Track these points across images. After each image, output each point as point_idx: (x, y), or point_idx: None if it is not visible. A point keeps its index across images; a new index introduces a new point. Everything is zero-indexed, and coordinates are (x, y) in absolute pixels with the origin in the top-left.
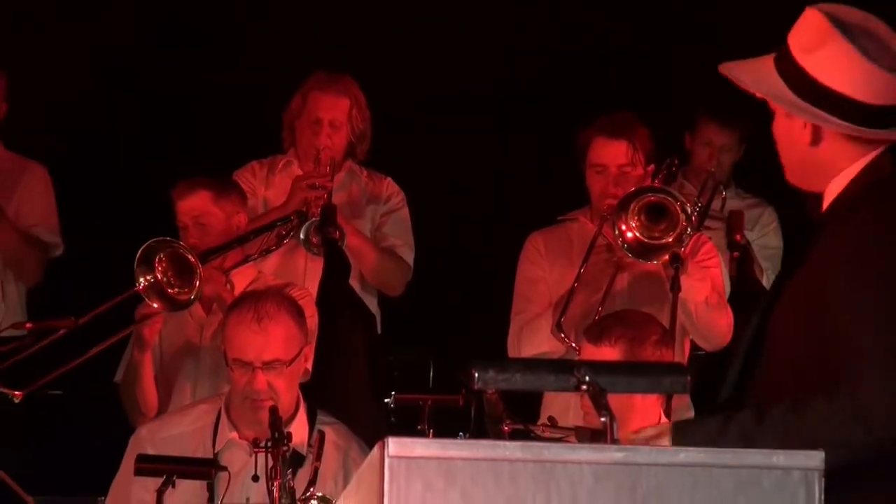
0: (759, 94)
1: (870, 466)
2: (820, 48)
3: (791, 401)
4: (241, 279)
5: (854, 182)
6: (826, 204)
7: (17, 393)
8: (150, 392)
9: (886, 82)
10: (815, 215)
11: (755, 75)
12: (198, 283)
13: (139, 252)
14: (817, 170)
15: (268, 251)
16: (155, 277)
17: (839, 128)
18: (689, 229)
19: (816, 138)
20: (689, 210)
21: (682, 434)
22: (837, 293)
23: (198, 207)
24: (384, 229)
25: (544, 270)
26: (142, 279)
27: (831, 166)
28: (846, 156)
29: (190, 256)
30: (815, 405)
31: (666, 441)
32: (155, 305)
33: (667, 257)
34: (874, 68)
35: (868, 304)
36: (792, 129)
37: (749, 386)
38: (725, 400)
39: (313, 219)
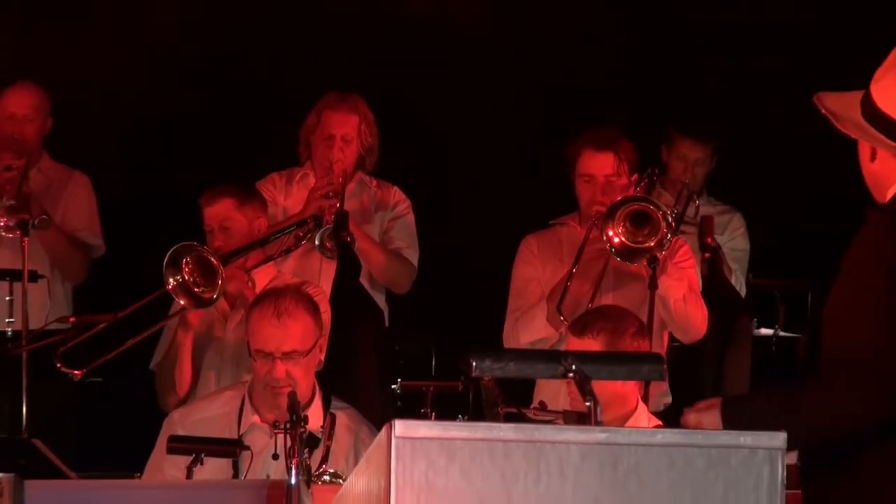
0: (823, 112)
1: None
2: (883, 79)
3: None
4: (262, 277)
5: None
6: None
7: (76, 372)
8: (186, 372)
9: None
10: (873, 220)
11: (840, 102)
12: (220, 282)
13: (167, 256)
14: (876, 183)
15: (287, 252)
16: (182, 278)
17: (887, 148)
18: (669, 235)
19: (873, 155)
20: (669, 219)
21: (732, 413)
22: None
23: (222, 213)
24: (391, 233)
25: (537, 270)
26: (171, 280)
27: (886, 180)
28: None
29: (213, 259)
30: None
31: (713, 416)
32: (182, 303)
33: (646, 259)
34: None
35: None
36: (862, 147)
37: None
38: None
39: (327, 226)
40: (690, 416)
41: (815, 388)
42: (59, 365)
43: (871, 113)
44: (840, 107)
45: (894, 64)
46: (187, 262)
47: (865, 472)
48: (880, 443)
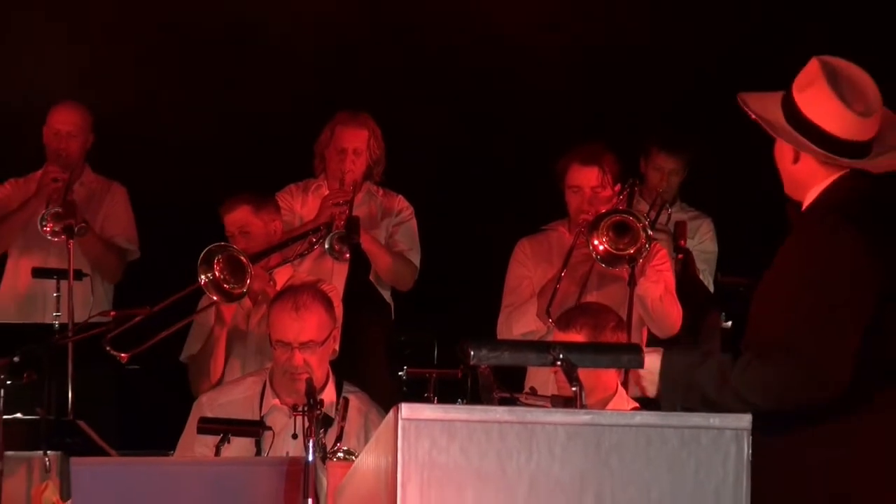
0: (753, 117)
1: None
2: (809, 88)
3: (756, 352)
4: (281, 277)
5: (820, 196)
6: (803, 209)
7: (123, 355)
8: (220, 362)
9: (855, 122)
10: (794, 218)
11: (762, 104)
12: (249, 279)
13: (202, 255)
14: (797, 183)
15: (302, 255)
16: (214, 275)
17: (812, 152)
18: (647, 244)
19: (797, 158)
20: (648, 231)
21: (669, 358)
22: (785, 286)
23: (241, 219)
24: (396, 237)
25: (529, 269)
26: (203, 276)
27: (807, 181)
28: (818, 175)
29: (242, 258)
30: (775, 356)
31: (655, 358)
32: (214, 298)
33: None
34: (846, 110)
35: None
36: (783, 148)
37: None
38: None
39: (335, 231)
40: None
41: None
42: (108, 348)
43: (797, 119)
44: (762, 108)
45: (819, 76)
46: (219, 261)
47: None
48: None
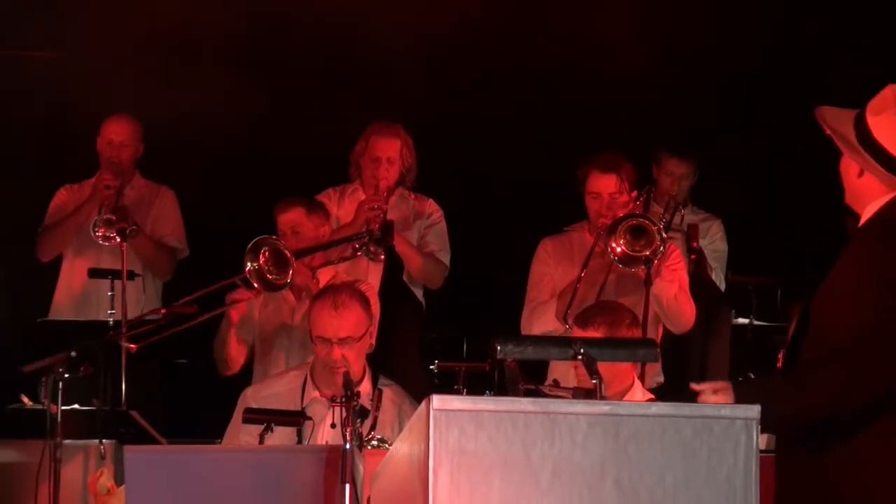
0: (828, 132)
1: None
2: (882, 113)
3: (824, 359)
4: (324, 276)
5: (880, 211)
6: (861, 222)
7: (132, 346)
8: (233, 354)
9: None
10: (852, 230)
11: (838, 119)
12: (291, 272)
13: (250, 244)
14: (859, 196)
15: (344, 259)
16: (259, 264)
17: (876, 172)
18: (662, 246)
19: (861, 172)
20: (663, 234)
21: (740, 392)
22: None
23: (294, 220)
24: (427, 238)
25: (551, 268)
26: (249, 264)
27: (868, 196)
28: (879, 191)
29: (287, 252)
30: (844, 362)
31: (729, 395)
32: (255, 285)
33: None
34: None
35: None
36: (850, 162)
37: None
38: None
39: (371, 234)
40: (709, 397)
41: (802, 378)
42: (123, 342)
43: (866, 139)
44: (836, 123)
45: (892, 103)
46: (265, 252)
47: (835, 452)
48: (854, 426)
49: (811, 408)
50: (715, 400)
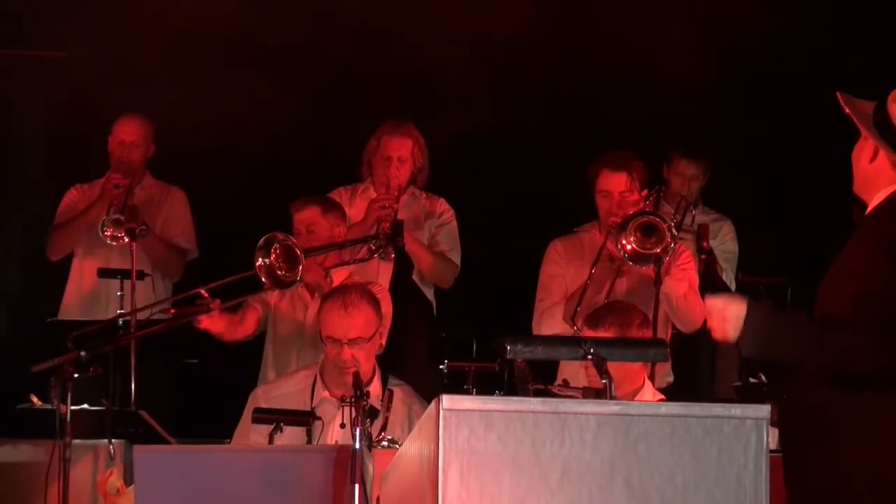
0: (847, 111)
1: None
2: None
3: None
4: (339, 276)
5: (889, 198)
6: (869, 210)
7: (214, 303)
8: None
9: None
10: (859, 218)
11: (857, 104)
12: (300, 270)
13: (262, 240)
14: (869, 182)
15: (358, 261)
16: (269, 261)
17: (889, 155)
18: (672, 243)
19: (874, 157)
20: (674, 231)
21: (754, 308)
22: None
23: (309, 218)
24: (437, 238)
25: (562, 268)
26: (260, 260)
27: (878, 181)
28: (889, 178)
29: (297, 249)
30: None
31: (740, 305)
32: (264, 280)
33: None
34: None
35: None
36: (863, 148)
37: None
38: None
39: (384, 233)
40: (717, 300)
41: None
42: (202, 294)
43: (884, 124)
44: (855, 109)
45: None
46: (276, 249)
47: (842, 437)
48: (856, 409)
49: (831, 360)
50: (723, 304)
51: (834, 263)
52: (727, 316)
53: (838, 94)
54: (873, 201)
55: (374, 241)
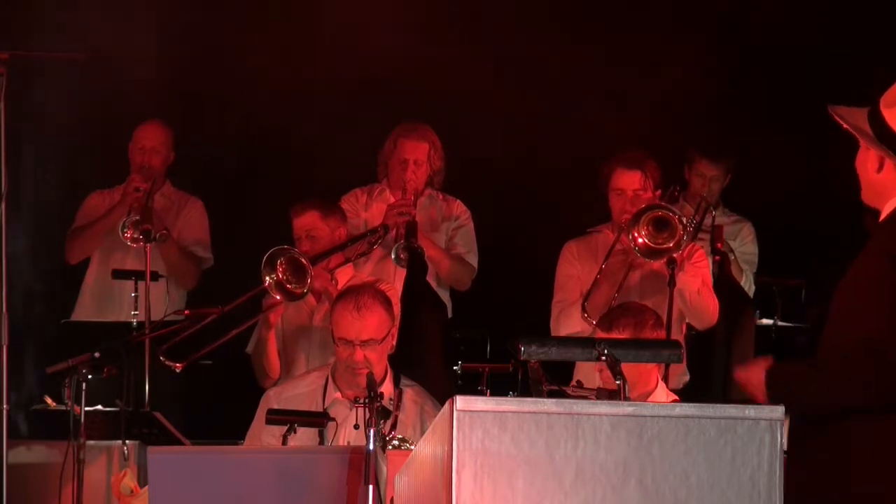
0: (846, 127)
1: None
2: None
3: (844, 353)
4: (342, 276)
5: None
6: (882, 217)
7: (177, 365)
8: (273, 360)
9: None
10: (871, 227)
11: (851, 115)
12: (309, 280)
13: (265, 258)
14: (877, 192)
15: (361, 255)
16: (277, 276)
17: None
18: (685, 237)
19: (880, 167)
20: (685, 222)
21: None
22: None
23: (309, 223)
24: (455, 240)
25: (577, 269)
26: (267, 278)
27: (887, 191)
28: None
29: (303, 260)
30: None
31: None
32: (277, 297)
33: (665, 259)
34: None
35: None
36: (867, 158)
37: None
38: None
39: (400, 241)
40: (740, 373)
41: (828, 371)
42: (162, 358)
43: (884, 132)
44: (851, 118)
45: None
46: (281, 263)
47: (851, 437)
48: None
49: (839, 397)
50: (746, 376)
51: (848, 275)
52: (755, 384)
53: (830, 109)
54: (886, 209)
55: (373, 235)
